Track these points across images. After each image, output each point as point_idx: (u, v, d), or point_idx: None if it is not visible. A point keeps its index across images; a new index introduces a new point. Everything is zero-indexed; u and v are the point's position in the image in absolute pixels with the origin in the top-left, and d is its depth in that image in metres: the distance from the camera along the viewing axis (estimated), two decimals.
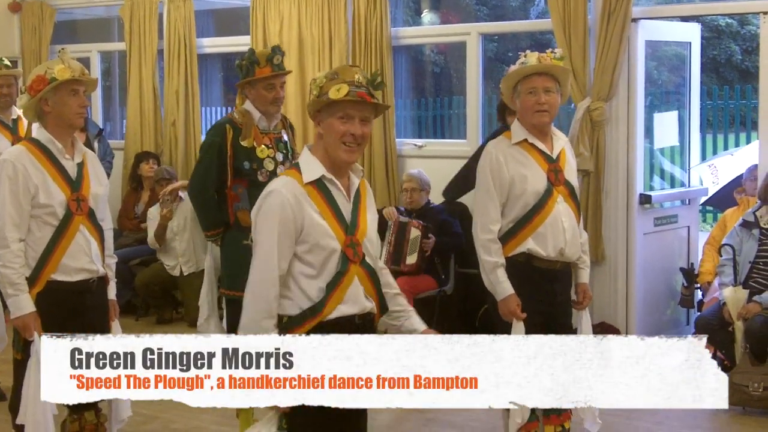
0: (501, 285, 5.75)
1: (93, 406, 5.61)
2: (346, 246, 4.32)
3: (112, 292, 5.69)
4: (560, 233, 5.79)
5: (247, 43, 10.57)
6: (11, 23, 12.44)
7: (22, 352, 5.38)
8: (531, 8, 21.37)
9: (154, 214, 10.53)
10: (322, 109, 4.30)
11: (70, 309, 5.36)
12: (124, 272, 9.97)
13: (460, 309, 9.14)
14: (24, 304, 5.27)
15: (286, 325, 4.28)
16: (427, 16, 18.90)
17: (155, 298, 10.64)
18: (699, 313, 8.51)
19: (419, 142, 10.10)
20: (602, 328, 8.51)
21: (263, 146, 6.41)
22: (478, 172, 5.89)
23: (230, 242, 6.49)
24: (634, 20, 8.61)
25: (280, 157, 6.47)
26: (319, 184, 4.32)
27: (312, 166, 4.33)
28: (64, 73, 5.34)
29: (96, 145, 10.81)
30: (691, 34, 9.51)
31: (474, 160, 7.54)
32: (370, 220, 4.50)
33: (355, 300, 4.35)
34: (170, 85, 11.16)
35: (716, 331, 7.87)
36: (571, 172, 5.91)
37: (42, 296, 5.31)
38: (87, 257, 5.43)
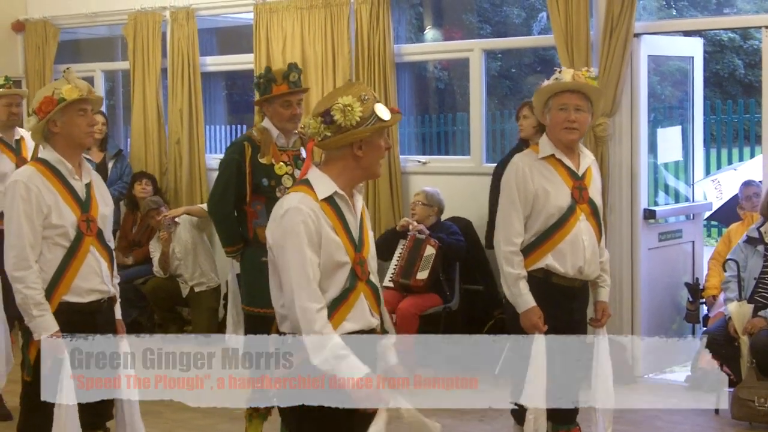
0: (523, 297, 5.74)
1: (101, 426, 5.61)
2: (355, 263, 4.32)
3: (117, 312, 5.68)
4: (580, 251, 5.80)
5: (251, 61, 10.59)
6: (15, 43, 12.47)
7: (33, 373, 5.36)
8: (534, 24, 21.35)
9: (156, 245, 10.57)
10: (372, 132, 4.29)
11: (82, 329, 5.34)
12: (129, 291, 9.96)
13: (465, 325, 9.13)
14: (51, 323, 5.26)
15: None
16: (429, 32, 18.89)
17: (162, 309, 10.66)
18: (704, 329, 8.50)
19: (423, 158, 10.10)
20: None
21: (281, 163, 6.44)
22: (503, 184, 5.89)
23: (249, 259, 6.52)
24: (637, 35, 8.61)
25: (298, 174, 6.48)
26: (330, 201, 4.30)
27: (324, 183, 4.31)
28: (71, 92, 5.32)
29: (110, 165, 10.82)
30: (694, 48, 9.51)
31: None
32: (371, 237, 4.52)
33: (360, 317, 4.34)
34: (174, 104, 11.17)
35: (722, 346, 7.86)
36: (595, 190, 5.92)
37: (54, 317, 5.28)
38: (98, 278, 5.43)
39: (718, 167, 17.03)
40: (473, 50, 9.72)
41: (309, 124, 4.32)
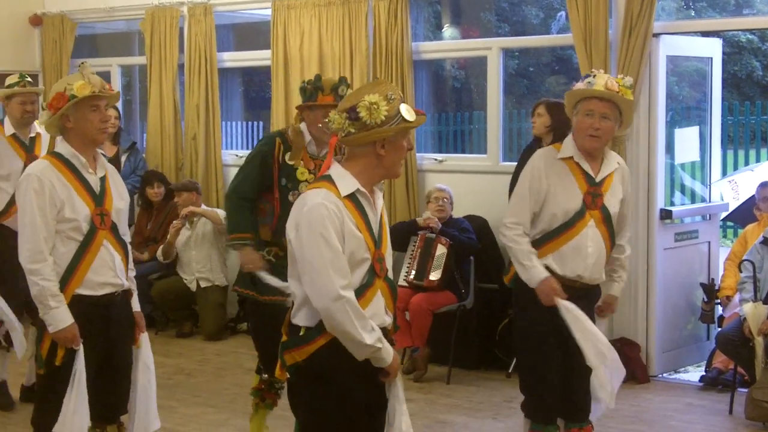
0: (536, 269, 5.71)
1: (115, 420, 5.62)
2: (375, 260, 4.33)
3: (136, 304, 5.68)
4: (582, 258, 5.75)
5: (268, 57, 10.60)
6: (32, 37, 12.51)
7: (45, 366, 5.37)
8: (552, 23, 21.31)
9: (177, 224, 10.62)
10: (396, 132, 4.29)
11: (95, 322, 5.36)
12: (143, 286, 9.99)
13: (479, 324, 9.11)
14: (66, 315, 5.26)
15: (305, 336, 4.29)
16: (447, 30, 18.88)
17: (172, 309, 10.73)
18: (719, 329, 8.48)
19: (439, 156, 10.09)
20: (622, 343, 8.48)
21: (306, 169, 6.39)
22: (522, 174, 5.90)
23: None
24: (656, 35, 8.58)
25: None
26: (353, 198, 4.30)
27: (346, 180, 4.30)
28: (83, 89, 5.31)
29: (124, 158, 10.82)
30: (712, 49, 9.48)
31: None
32: (388, 234, 4.53)
33: (374, 314, 4.32)
34: (191, 100, 11.18)
35: (737, 346, 7.85)
36: (612, 197, 5.84)
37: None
38: (111, 271, 5.42)
39: (735, 168, 16.98)
40: (491, 49, 9.70)
41: (334, 119, 4.32)
